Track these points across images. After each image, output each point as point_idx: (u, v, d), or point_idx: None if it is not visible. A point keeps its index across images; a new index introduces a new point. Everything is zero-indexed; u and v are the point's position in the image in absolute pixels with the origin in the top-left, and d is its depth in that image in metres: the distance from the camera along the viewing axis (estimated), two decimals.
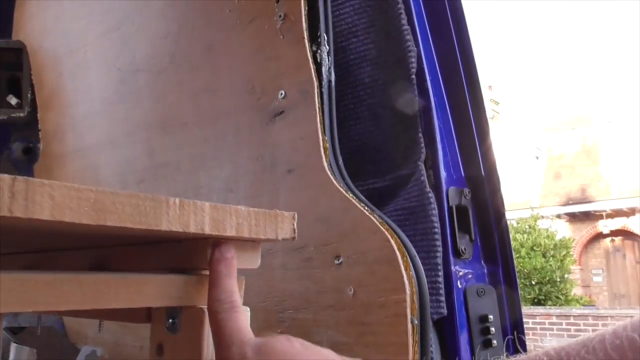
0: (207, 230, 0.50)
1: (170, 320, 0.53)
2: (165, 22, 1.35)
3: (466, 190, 1.04)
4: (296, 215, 0.57)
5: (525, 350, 1.04)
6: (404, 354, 0.76)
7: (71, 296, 0.44)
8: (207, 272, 0.53)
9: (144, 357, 1.17)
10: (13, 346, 1.36)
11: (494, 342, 0.98)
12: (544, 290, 11.54)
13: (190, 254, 0.54)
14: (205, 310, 0.50)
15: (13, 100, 1.77)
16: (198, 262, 0.54)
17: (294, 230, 0.56)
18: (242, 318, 0.49)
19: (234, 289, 0.50)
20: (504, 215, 1.05)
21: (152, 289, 0.49)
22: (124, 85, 1.44)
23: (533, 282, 11.56)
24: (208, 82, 1.22)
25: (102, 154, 1.48)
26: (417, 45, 1.04)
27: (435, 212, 1.00)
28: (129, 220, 0.44)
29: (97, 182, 1.47)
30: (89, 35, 1.57)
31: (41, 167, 1.72)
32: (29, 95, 1.76)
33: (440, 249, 0.97)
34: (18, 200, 0.38)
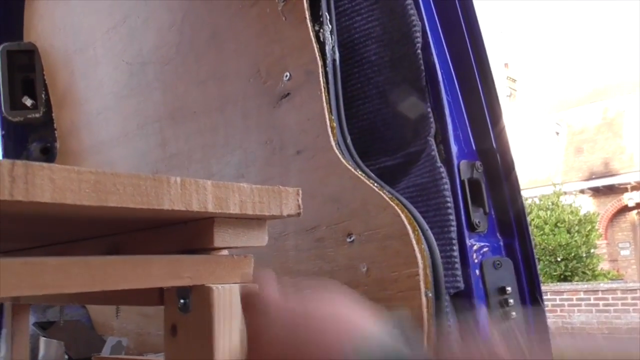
0: (211, 208, 0.50)
1: (182, 301, 0.54)
2: (169, 13, 1.35)
3: (478, 164, 1.03)
4: (300, 191, 0.56)
5: (545, 322, 1.03)
6: (420, 327, 0.76)
7: (80, 278, 0.45)
8: (215, 253, 0.53)
9: None
10: (42, 340, 1.39)
11: (513, 313, 0.97)
12: (570, 267, 11.41)
13: (196, 235, 0.54)
14: (214, 288, 0.51)
15: (28, 102, 1.80)
16: (204, 242, 0.54)
17: (299, 205, 0.56)
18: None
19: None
20: (518, 186, 1.04)
21: (160, 270, 0.50)
22: (133, 78, 1.45)
23: (558, 259, 11.43)
24: (214, 69, 1.22)
25: (116, 148, 1.50)
26: (421, 20, 1.03)
27: (448, 186, 0.99)
28: (131, 200, 0.44)
29: None
30: (97, 32, 1.58)
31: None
32: (43, 95, 1.78)
33: (454, 223, 0.96)
34: (18, 184, 0.38)
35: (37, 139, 1.84)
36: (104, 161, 1.55)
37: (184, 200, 0.48)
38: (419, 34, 1.02)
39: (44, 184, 0.39)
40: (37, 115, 1.78)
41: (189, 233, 0.55)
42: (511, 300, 0.97)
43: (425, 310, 0.78)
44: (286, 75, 1.06)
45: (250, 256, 0.55)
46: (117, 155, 1.50)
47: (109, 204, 0.42)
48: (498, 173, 1.03)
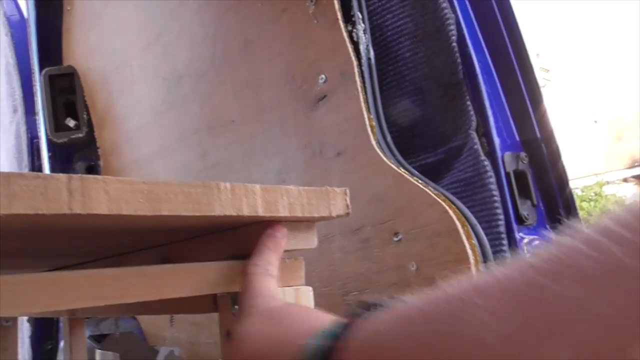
0: (261, 212, 0.50)
1: (236, 307, 0.54)
2: (201, 26, 1.37)
3: (523, 155, 1.00)
4: (348, 191, 0.56)
5: None
6: None
7: (136, 288, 0.46)
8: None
9: (218, 352, 1.20)
10: (97, 352, 1.42)
11: None
12: None
13: (247, 240, 0.54)
14: None
15: (71, 123, 1.85)
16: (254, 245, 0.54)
17: (347, 205, 0.55)
18: (274, 283, 0.48)
19: (273, 262, 0.50)
20: (566, 176, 1.01)
21: (214, 276, 0.50)
22: (170, 93, 1.48)
23: None
24: (249, 78, 1.23)
25: (157, 162, 1.52)
26: (454, 13, 1.01)
27: (493, 179, 0.97)
28: (183, 208, 0.45)
29: None
30: (131, 51, 1.62)
31: None
32: (84, 116, 1.84)
33: (501, 217, 0.94)
34: (76, 197, 0.39)
35: (82, 158, 1.89)
36: (145, 175, 1.58)
37: (234, 205, 0.48)
38: (453, 27, 1.01)
39: (99, 196, 0.39)
40: (80, 135, 1.83)
41: (239, 238, 0.55)
42: None
43: None
44: (321, 78, 1.06)
45: (300, 259, 0.55)
46: (159, 169, 1.53)
47: (163, 213, 0.43)
48: (544, 163, 1.00)
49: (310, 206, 0.53)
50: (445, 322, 0.29)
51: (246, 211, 0.48)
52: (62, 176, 0.39)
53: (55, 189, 0.37)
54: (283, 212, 0.51)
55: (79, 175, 0.40)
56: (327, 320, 0.39)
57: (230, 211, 0.47)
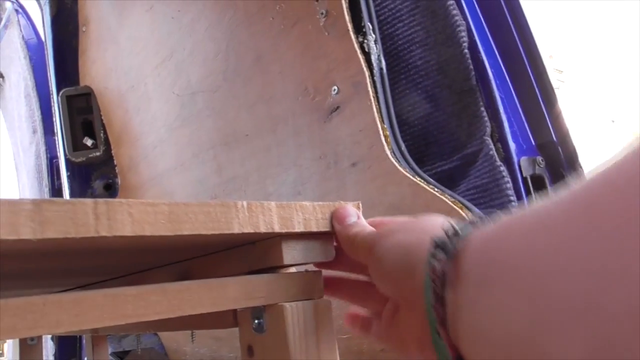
0: (277, 228, 0.50)
1: (256, 321, 0.54)
2: (213, 42, 1.39)
3: (539, 159, 1.00)
4: (360, 204, 0.56)
5: None
6: None
7: (158, 306, 0.46)
8: (284, 270, 0.53)
9: None
10: None
11: None
12: None
13: (265, 254, 0.55)
14: (288, 306, 0.51)
15: (89, 142, 1.89)
16: (274, 261, 0.54)
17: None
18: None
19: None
20: (584, 178, 0.99)
21: (234, 291, 0.50)
22: (184, 109, 1.49)
23: None
24: (262, 91, 1.24)
25: (174, 178, 1.54)
26: (465, 19, 1.01)
27: (510, 185, 0.96)
28: (203, 227, 0.46)
29: None
30: (146, 69, 1.64)
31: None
32: (101, 134, 1.87)
33: None
34: (102, 221, 0.40)
35: (100, 176, 1.92)
36: (163, 192, 1.60)
37: (252, 222, 0.48)
38: (464, 34, 1.01)
39: (124, 219, 0.40)
40: (98, 154, 1.86)
41: (258, 253, 0.55)
42: None
43: None
44: (334, 89, 1.06)
45: (319, 271, 0.55)
46: (175, 184, 1.55)
47: (184, 233, 0.43)
48: (561, 166, 0.99)
49: (325, 220, 0.54)
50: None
51: (263, 228, 0.49)
52: (89, 201, 0.40)
53: (83, 213, 0.38)
54: (298, 228, 0.52)
55: (105, 199, 0.41)
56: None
57: (248, 228, 0.48)
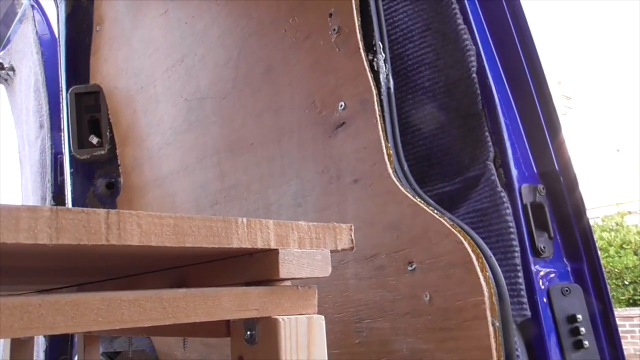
0: (273, 245, 0.53)
1: (248, 333, 0.55)
2: (224, 50, 1.40)
3: (540, 187, 1.00)
4: (353, 227, 0.58)
5: (621, 352, 0.98)
6: (488, 358, 0.74)
7: (153, 312, 0.47)
8: (279, 284, 0.54)
9: None
10: None
11: (586, 343, 0.92)
12: (639, 290, 10.78)
13: (261, 267, 0.55)
14: (280, 319, 0.51)
15: (94, 140, 1.90)
16: (270, 274, 0.55)
17: (352, 240, 0.58)
18: None
19: None
20: (584, 209, 1.00)
21: (228, 302, 0.51)
22: (191, 114, 1.51)
23: (626, 282, 10.80)
24: (270, 101, 1.25)
25: (177, 182, 1.55)
26: (475, 44, 1.03)
27: (509, 211, 0.97)
28: (204, 240, 0.47)
29: (174, 208, 1.53)
30: (156, 71, 1.66)
31: (123, 199, 1.82)
32: (107, 133, 1.88)
33: (517, 248, 0.94)
34: (113, 230, 0.42)
35: (103, 174, 1.93)
36: (165, 194, 1.60)
37: (250, 238, 0.51)
38: (473, 58, 1.02)
39: (133, 229, 0.42)
40: (103, 152, 1.87)
41: (254, 264, 0.56)
42: (583, 329, 0.92)
43: (493, 340, 0.76)
44: (341, 105, 1.07)
45: (314, 287, 0.55)
46: (178, 187, 1.55)
47: (186, 245, 0.45)
48: (562, 195, 1.00)
49: (318, 240, 0.56)
50: None
51: (260, 244, 0.51)
52: (101, 211, 0.42)
53: (95, 222, 0.41)
54: (293, 246, 0.54)
55: (116, 210, 0.43)
56: None
57: (246, 244, 0.50)
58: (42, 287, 0.87)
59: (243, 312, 0.51)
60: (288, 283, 0.55)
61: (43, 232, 0.37)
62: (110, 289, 0.79)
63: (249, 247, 0.51)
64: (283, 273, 0.53)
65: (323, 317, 0.53)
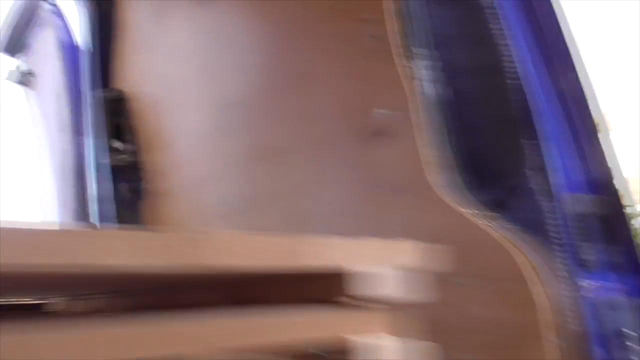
0: (340, 263, 0.50)
1: (322, 355, 0.53)
2: (253, 55, 1.38)
3: (586, 196, 0.98)
4: (421, 245, 0.56)
5: None
6: None
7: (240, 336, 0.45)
8: (350, 303, 0.52)
9: None
10: None
11: (635, 359, 0.90)
12: None
13: (327, 286, 0.54)
14: (354, 341, 0.49)
15: (118, 145, 1.89)
16: (335, 294, 0.53)
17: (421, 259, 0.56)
18: None
19: None
20: (631, 218, 0.97)
21: (300, 323, 0.49)
22: (218, 120, 1.49)
23: None
24: (302, 108, 1.23)
25: (204, 188, 1.53)
26: (519, 48, 1.00)
27: (554, 221, 0.94)
28: (275, 259, 0.46)
29: (201, 215, 1.52)
30: (182, 76, 1.64)
31: (147, 205, 1.80)
32: (131, 138, 1.87)
33: (564, 261, 0.91)
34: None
35: (126, 179, 1.92)
36: (192, 200, 1.59)
37: (317, 257, 0.49)
38: (515, 64, 1.00)
39: (212, 250, 0.41)
40: (126, 157, 1.86)
41: (318, 283, 0.54)
42: (632, 344, 0.90)
43: (547, 355, 0.74)
44: (378, 113, 1.05)
45: (387, 308, 0.53)
46: (205, 194, 1.54)
47: (260, 264, 0.43)
48: (609, 205, 0.97)
49: (383, 258, 0.54)
50: None
51: (329, 262, 0.49)
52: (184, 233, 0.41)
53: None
54: (360, 264, 0.51)
55: (200, 231, 0.41)
56: None
57: (313, 262, 0.48)
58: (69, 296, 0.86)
59: (315, 333, 0.49)
60: (359, 303, 0.53)
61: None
62: (153, 302, 0.77)
63: (316, 265, 0.49)
64: (353, 292, 0.51)
65: (396, 338, 0.52)
